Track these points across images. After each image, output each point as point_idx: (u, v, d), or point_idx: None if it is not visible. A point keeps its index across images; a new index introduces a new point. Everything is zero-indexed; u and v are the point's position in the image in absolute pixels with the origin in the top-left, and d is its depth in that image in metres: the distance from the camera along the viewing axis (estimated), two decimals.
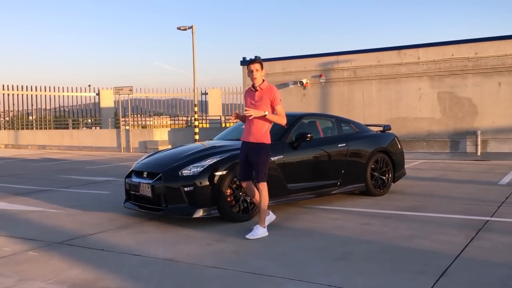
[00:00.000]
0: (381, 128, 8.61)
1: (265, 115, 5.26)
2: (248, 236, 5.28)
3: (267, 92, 5.33)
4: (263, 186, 5.35)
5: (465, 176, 10.38)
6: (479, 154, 13.84)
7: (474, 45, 14.12)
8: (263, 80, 5.40)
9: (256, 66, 5.34)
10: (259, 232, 5.32)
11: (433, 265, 4.19)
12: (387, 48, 15.52)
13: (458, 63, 14.30)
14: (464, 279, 3.84)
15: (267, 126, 5.37)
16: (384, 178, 7.85)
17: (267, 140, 5.37)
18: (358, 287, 3.73)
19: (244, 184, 5.57)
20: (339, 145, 7.35)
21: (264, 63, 18.55)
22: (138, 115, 31.09)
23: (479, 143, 13.86)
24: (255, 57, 6.58)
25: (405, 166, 8.85)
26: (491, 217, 6.05)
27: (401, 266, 4.21)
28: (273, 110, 5.34)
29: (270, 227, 5.77)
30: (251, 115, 5.24)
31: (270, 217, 5.69)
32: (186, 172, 5.98)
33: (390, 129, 8.73)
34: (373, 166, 7.70)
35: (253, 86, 5.44)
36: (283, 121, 5.43)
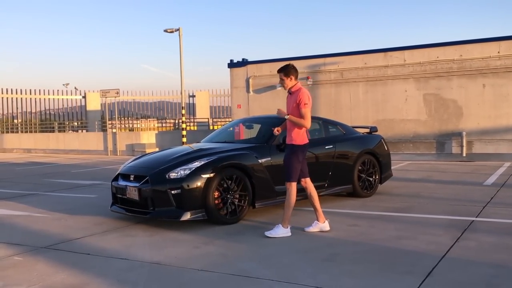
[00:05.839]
0: (367, 130, 8.67)
1: (286, 118, 5.49)
2: (267, 234, 5.36)
3: (294, 95, 5.49)
4: (289, 185, 5.47)
5: (451, 177, 10.48)
6: (464, 155, 13.99)
7: (459, 47, 14.28)
8: (294, 85, 5.54)
9: (280, 75, 5.54)
10: (279, 231, 5.37)
11: (419, 265, 4.22)
12: (373, 51, 15.64)
13: (443, 65, 14.45)
14: (450, 279, 3.88)
15: (295, 128, 5.49)
16: (371, 179, 7.90)
17: (297, 141, 5.48)
18: None
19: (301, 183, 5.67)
20: (326, 147, 7.39)
21: (251, 66, 18.47)
22: (125, 118, 30.86)
23: (464, 144, 14.01)
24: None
25: (392, 167, 8.92)
26: (476, 217, 6.12)
27: (388, 266, 4.23)
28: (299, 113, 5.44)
29: (256, 229, 5.78)
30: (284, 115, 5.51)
31: (323, 226, 5.63)
32: (173, 175, 5.97)
33: (376, 131, 8.79)
34: (360, 167, 7.75)
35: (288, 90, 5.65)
36: (304, 123, 5.41)
